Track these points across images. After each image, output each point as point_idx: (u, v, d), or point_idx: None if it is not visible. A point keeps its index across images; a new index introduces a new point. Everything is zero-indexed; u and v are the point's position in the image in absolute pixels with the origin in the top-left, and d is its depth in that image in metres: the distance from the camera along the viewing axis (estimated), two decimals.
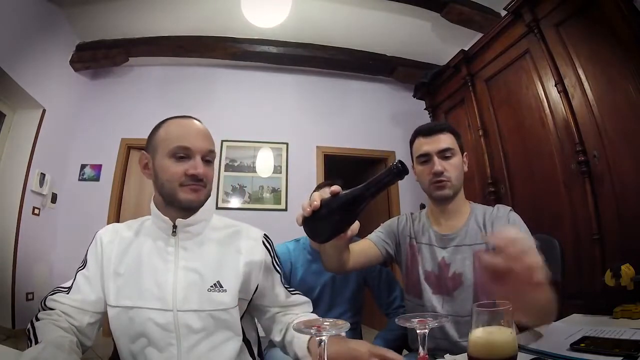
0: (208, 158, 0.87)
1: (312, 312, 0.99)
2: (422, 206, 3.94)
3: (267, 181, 3.84)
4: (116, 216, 3.51)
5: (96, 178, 3.62)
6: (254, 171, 3.84)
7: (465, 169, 1.17)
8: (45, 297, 0.85)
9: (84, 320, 0.83)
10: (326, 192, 1.11)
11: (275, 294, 0.94)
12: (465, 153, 1.18)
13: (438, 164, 1.09)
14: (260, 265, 0.91)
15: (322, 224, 0.71)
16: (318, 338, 0.54)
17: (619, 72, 1.75)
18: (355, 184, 0.70)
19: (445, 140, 1.12)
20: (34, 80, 2.96)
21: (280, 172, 3.88)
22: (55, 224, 3.40)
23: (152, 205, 0.90)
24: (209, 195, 0.91)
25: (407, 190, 4.01)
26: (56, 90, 3.33)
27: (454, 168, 1.11)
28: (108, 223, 3.43)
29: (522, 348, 0.82)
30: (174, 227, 0.87)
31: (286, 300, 0.95)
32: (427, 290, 1.11)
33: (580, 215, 1.91)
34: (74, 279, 0.88)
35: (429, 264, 1.13)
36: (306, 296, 1.00)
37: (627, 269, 1.21)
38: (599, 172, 1.84)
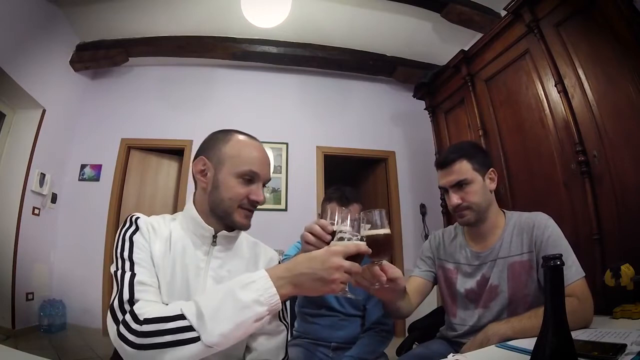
0: (266, 185, 0.93)
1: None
2: (422, 206, 3.94)
3: None
4: (116, 216, 3.51)
5: (96, 178, 3.62)
6: None
7: (492, 186, 1.17)
8: (129, 301, 0.70)
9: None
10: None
11: None
12: (490, 169, 1.18)
13: (454, 198, 1.13)
14: None
15: None
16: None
17: (619, 72, 1.75)
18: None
19: (458, 172, 1.13)
20: (34, 80, 2.97)
21: (280, 172, 3.88)
22: (55, 224, 3.39)
23: (193, 211, 0.88)
24: None
25: (407, 191, 4.01)
26: (56, 90, 3.33)
27: (472, 195, 1.12)
28: (108, 223, 3.48)
29: (505, 346, 0.83)
30: (214, 237, 0.87)
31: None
32: (463, 307, 1.16)
33: (580, 215, 1.91)
34: (131, 262, 0.76)
35: (470, 282, 1.15)
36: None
37: (627, 269, 1.22)
38: (599, 172, 1.83)
